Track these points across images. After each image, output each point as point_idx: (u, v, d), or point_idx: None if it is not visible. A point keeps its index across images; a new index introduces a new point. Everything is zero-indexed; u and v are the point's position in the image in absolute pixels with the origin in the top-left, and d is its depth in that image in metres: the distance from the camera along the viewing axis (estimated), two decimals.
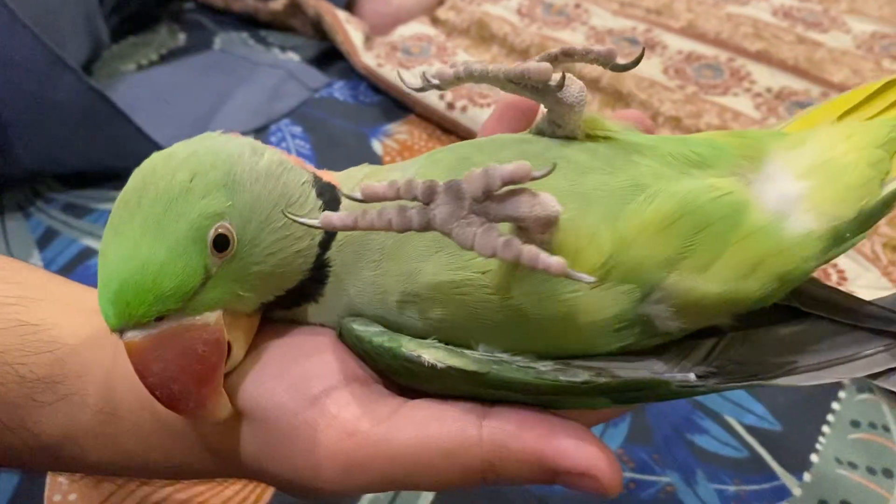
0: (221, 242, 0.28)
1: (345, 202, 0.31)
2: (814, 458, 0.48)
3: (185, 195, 0.27)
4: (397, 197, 0.27)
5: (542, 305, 0.28)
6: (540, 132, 0.33)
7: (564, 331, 0.28)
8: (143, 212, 0.27)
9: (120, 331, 0.27)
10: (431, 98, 0.77)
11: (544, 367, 0.28)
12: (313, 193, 0.30)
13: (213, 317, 0.28)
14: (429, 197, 0.26)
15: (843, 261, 0.61)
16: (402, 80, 0.33)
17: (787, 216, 0.29)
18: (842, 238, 0.30)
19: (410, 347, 0.28)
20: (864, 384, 0.53)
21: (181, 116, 0.79)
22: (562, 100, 0.30)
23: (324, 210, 0.30)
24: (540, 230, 0.26)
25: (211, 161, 0.28)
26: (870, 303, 0.32)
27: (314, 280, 0.31)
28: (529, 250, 0.25)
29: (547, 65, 0.29)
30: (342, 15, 0.88)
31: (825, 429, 0.50)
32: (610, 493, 0.27)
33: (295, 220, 0.28)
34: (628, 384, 0.28)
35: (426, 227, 0.26)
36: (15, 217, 0.68)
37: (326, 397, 0.28)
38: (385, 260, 0.30)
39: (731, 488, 0.47)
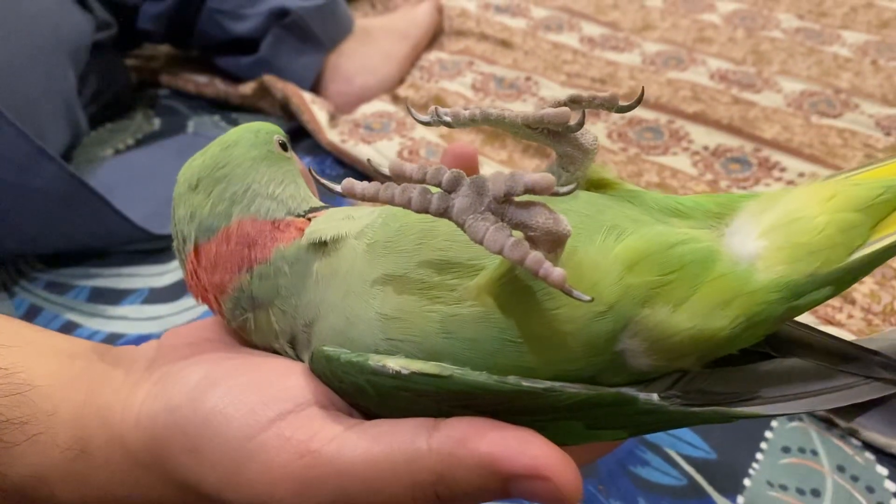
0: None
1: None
2: (747, 482, 0.52)
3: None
4: (423, 180, 0.28)
5: (515, 322, 0.28)
6: None
7: (533, 349, 0.28)
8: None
9: None
10: None
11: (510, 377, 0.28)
12: None
13: None
14: (452, 186, 0.27)
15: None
16: (410, 112, 0.33)
17: (750, 268, 0.30)
18: (800, 294, 0.30)
19: (376, 359, 0.29)
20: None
21: (157, 196, 0.82)
22: (579, 143, 0.32)
23: None
24: (547, 247, 0.27)
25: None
26: (848, 343, 0.32)
27: None
28: (535, 255, 0.25)
29: (565, 108, 0.30)
30: (307, 96, 0.94)
31: (758, 455, 0.54)
32: (567, 497, 0.25)
33: (318, 181, 0.30)
34: (594, 399, 0.28)
35: (443, 213, 0.27)
36: (0, 297, 0.72)
37: (281, 420, 0.29)
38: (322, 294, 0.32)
39: None
